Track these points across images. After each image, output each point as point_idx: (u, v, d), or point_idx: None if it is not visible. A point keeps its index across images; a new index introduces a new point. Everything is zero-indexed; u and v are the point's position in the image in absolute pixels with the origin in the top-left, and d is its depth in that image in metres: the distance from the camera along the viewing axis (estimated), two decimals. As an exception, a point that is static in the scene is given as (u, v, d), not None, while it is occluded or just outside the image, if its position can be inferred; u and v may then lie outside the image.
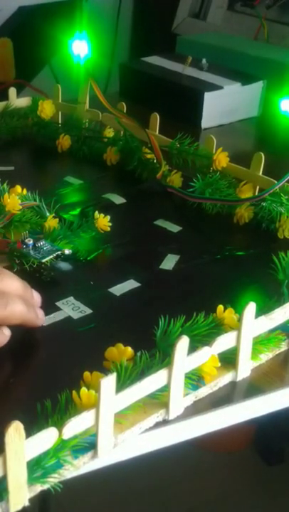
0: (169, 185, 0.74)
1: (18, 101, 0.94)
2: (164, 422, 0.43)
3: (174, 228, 0.68)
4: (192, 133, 0.79)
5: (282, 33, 1.25)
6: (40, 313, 0.50)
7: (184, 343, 0.41)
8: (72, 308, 0.53)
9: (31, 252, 0.58)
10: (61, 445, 0.37)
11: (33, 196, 0.65)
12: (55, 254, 0.59)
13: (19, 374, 0.46)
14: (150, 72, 1.09)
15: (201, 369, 0.45)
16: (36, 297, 0.51)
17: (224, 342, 0.45)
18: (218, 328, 0.48)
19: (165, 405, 0.43)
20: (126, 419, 0.41)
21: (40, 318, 0.50)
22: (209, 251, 0.64)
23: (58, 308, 0.53)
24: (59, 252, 0.59)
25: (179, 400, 0.43)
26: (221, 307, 0.49)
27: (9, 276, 0.49)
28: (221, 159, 0.74)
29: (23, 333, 0.49)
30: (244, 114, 1.05)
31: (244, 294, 0.54)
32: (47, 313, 0.52)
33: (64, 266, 0.60)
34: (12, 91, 0.94)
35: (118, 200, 0.73)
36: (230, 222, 0.69)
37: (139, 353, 0.45)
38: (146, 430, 0.42)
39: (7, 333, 0.47)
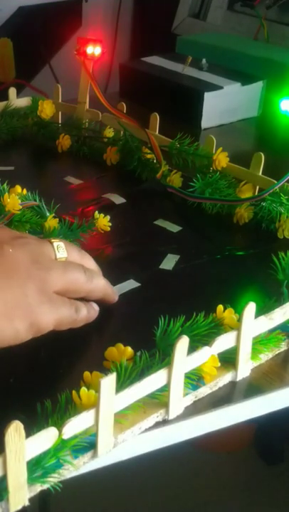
0: (169, 185, 0.74)
1: (18, 101, 0.94)
2: (164, 422, 0.43)
3: (174, 228, 0.68)
4: (192, 133, 0.79)
5: (282, 33, 1.25)
6: (115, 289, 0.54)
7: (183, 343, 0.41)
8: (72, 308, 0.53)
9: (31, 252, 0.58)
10: (61, 445, 0.37)
11: (33, 196, 0.65)
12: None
13: (19, 374, 0.46)
14: (150, 72, 1.09)
15: (200, 369, 0.45)
16: None
17: (224, 342, 0.45)
18: (218, 328, 0.48)
19: (165, 405, 0.43)
20: (126, 419, 0.41)
21: (116, 294, 0.54)
22: (209, 251, 0.64)
23: (57, 308, 0.53)
24: (59, 252, 0.59)
25: (179, 400, 0.43)
26: (220, 307, 0.49)
27: (88, 255, 0.53)
28: (221, 159, 0.74)
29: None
30: (244, 114, 1.05)
31: (244, 293, 0.54)
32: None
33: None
34: (12, 91, 0.94)
35: (118, 200, 0.73)
36: (230, 222, 0.69)
37: (139, 353, 0.45)
38: (146, 430, 0.42)
39: (96, 307, 0.51)
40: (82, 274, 0.49)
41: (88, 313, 0.50)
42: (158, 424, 0.43)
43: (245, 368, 0.47)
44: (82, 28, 1.50)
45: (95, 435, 0.39)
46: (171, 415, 0.43)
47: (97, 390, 0.37)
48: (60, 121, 0.92)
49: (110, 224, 0.64)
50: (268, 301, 0.51)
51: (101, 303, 0.52)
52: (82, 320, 0.49)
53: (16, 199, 0.62)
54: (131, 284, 0.57)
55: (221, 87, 1.00)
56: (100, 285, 0.51)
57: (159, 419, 0.43)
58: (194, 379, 0.45)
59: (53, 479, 0.37)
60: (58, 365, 0.47)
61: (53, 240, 0.50)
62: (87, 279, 0.49)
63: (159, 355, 0.45)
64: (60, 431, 0.36)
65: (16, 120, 0.91)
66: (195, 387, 0.45)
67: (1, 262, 0.45)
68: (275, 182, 0.67)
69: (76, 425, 0.37)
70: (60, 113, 0.92)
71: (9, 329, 0.44)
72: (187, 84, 1.03)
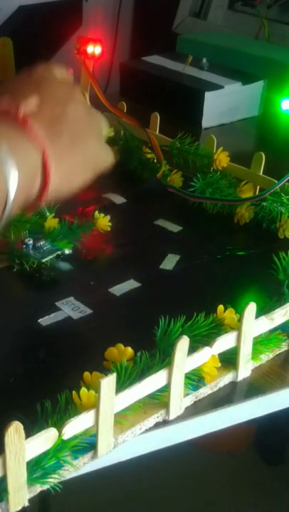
0: (169, 185, 0.74)
1: (18, 100, 0.93)
2: (164, 423, 0.43)
3: (175, 228, 0.68)
4: (192, 132, 0.79)
5: (282, 33, 1.25)
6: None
7: (184, 343, 0.41)
8: (72, 309, 0.53)
9: (31, 252, 0.58)
10: (61, 445, 0.37)
11: (33, 196, 0.65)
12: (55, 254, 0.59)
13: (19, 374, 0.46)
14: (151, 72, 1.08)
15: (201, 369, 0.45)
16: None
17: (224, 342, 0.45)
18: (218, 328, 0.48)
19: (165, 405, 0.43)
20: (126, 420, 0.41)
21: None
22: (210, 251, 0.64)
23: (58, 309, 0.53)
24: (59, 252, 0.59)
25: (179, 401, 0.43)
26: (221, 307, 0.49)
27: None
28: (222, 159, 0.74)
29: (23, 333, 0.49)
30: (245, 114, 1.05)
31: (244, 294, 0.54)
32: (47, 313, 0.52)
33: (64, 266, 0.60)
34: (12, 90, 0.93)
35: (118, 200, 0.73)
36: (230, 222, 0.69)
37: (139, 353, 0.45)
38: (147, 430, 0.42)
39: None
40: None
41: None
42: (158, 424, 0.43)
43: (245, 368, 0.47)
44: (82, 27, 1.50)
45: (95, 436, 0.39)
46: (172, 416, 0.43)
47: (97, 391, 0.37)
48: (60, 121, 0.91)
49: (110, 224, 0.64)
50: (269, 301, 0.51)
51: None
52: None
53: (16, 199, 0.62)
54: (131, 284, 0.57)
55: (221, 87, 1.00)
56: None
57: (160, 419, 0.43)
58: (195, 379, 0.45)
59: (53, 480, 0.37)
60: (58, 365, 0.47)
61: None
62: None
63: (159, 356, 0.45)
64: (60, 431, 0.36)
65: (16, 120, 0.91)
66: (195, 388, 0.45)
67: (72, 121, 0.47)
68: (276, 182, 0.67)
69: (76, 426, 0.37)
70: (60, 112, 0.92)
71: (80, 182, 0.48)
72: (188, 83, 1.02)
